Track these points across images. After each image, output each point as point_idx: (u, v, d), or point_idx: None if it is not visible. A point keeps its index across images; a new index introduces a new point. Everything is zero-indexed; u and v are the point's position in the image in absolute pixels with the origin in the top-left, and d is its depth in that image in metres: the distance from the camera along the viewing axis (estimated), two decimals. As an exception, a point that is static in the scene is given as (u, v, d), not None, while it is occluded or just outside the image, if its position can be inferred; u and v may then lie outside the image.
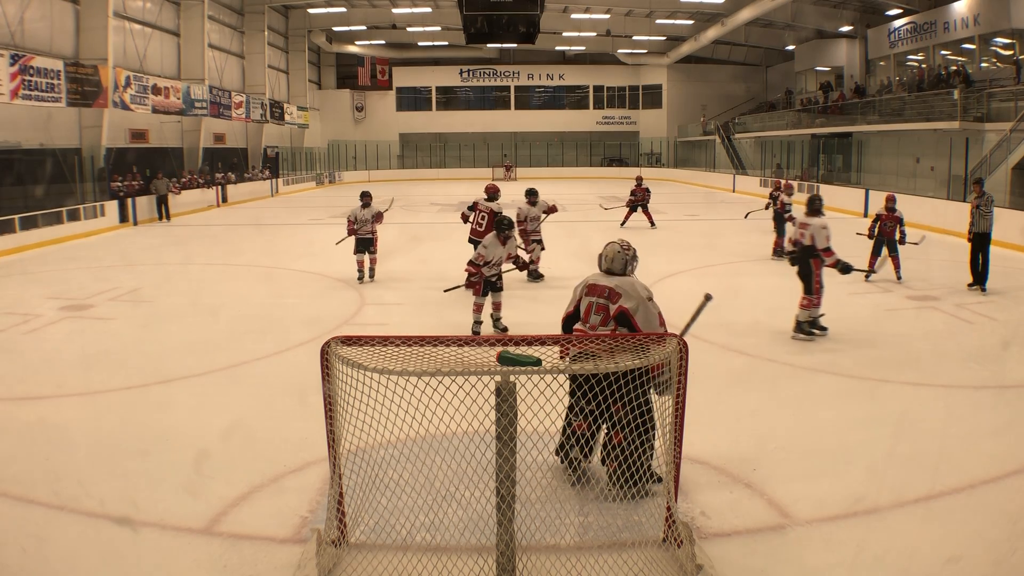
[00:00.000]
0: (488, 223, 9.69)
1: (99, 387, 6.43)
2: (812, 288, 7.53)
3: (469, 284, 7.72)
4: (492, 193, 10.41)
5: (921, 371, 6.58)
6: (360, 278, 10.83)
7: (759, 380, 6.52)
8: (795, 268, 7.71)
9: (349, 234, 10.95)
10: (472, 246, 9.60)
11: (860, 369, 6.22)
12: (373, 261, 11.03)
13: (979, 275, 9.67)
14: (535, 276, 10.83)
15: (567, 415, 4.11)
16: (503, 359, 3.24)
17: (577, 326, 4.33)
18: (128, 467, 4.80)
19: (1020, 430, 5.40)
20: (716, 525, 4.06)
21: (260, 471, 4.68)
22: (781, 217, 12.78)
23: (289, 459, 4.86)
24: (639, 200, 17.66)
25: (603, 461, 4.20)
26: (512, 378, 3.24)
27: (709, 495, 4.39)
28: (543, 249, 11.10)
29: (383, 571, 3.49)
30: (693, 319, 4.17)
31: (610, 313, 4.13)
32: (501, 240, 7.56)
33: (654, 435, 4.04)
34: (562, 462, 4.33)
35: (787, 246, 8.36)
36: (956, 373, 6.71)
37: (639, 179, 18.46)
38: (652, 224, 17.43)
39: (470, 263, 7.59)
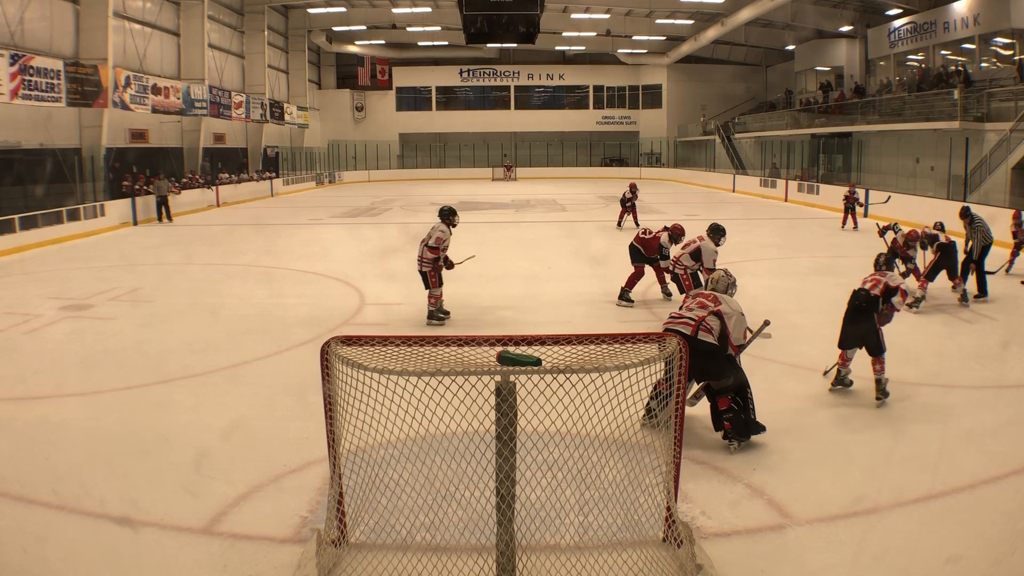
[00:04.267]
0: (644, 241, 9.76)
1: (99, 387, 6.43)
2: None
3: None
4: (676, 234, 9.77)
5: (921, 371, 6.58)
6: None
7: (759, 380, 6.50)
8: None
9: (446, 264, 8.59)
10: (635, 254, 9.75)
11: (860, 369, 6.21)
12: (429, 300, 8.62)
13: (976, 281, 9.65)
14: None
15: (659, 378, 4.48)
16: (503, 359, 3.24)
17: (672, 311, 5.47)
18: (128, 467, 4.80)
19: (1020, 430, 5.40)
20: (716, 525, 4.06)
21: (260, 471, 4.69)
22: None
23: (289, 459, 4.86)
24: (633, 199, 17.77)
25: (715, 426, 5.17)
26: (512, 378, 3.24)
27: (709, 495, 4.40)
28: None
29: (383, 571, 3.49)
30: (752, 339, 5.38)
31: (709, 310, 5.20)
32: None
33: (748, 393, 5.10)
34: (645, 410, 4.55)
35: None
36: (956, 373, 6.71)
37: (633, 186, 18.30)
38: (632, 224, 17.32)
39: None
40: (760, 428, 5.09)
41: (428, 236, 8.40)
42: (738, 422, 5.01)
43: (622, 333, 3.75)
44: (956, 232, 9.86)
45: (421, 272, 8.42)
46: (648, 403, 4.56)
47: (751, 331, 5.45)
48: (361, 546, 3.74)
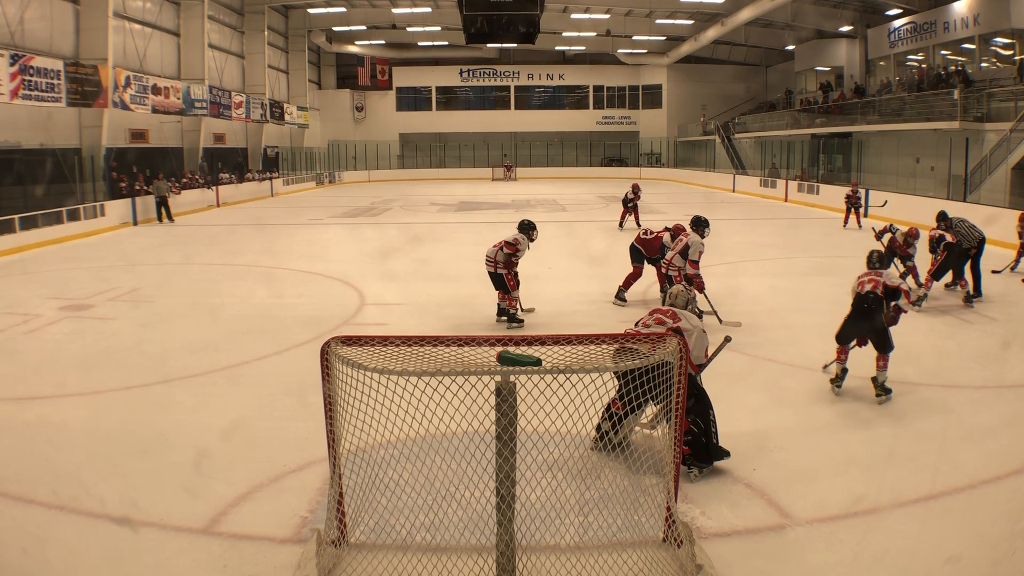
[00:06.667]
0: (645, 241, 9.62)
1: (99, 387, 6.43)
2: None
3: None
4: (678, 234, 9.58)
5: (921, 370, 6.58)
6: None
7: (759, 380, 6.52)
8: None
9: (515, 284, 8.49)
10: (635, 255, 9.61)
11: (860, 369, 6.22)
12: (503, 300, 8.56)
13: (972, 280, 9.64)
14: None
15: (612, 397, 4.35)
16: (503, 359, 3.24)
17: (628, 327, 5.07)
18: (128, 467, 4.80)
19: (1020, 430, 5.40)
20: (716, 525, 4.06)
21: (260, 471, 4.69)
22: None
23: (289, 459, 4.86)
24: (635, 200, 17.69)
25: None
26: (512, 378, 3.24)
27: (709, 495, 4.40)
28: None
29: (383, 571, 3.49)
30: (713, 357, 5.08)
31: (668, 326, 4.85)
32: None
33: (711, 415, 4.72)
34: (596, 431, 4.58)
35: None
36: (956, 373, 6.71)
37: (635, 186, 18.16)
38: (633, 224, 17.21)
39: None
40: (724, 453, 4.73)
41: (505, 241, 8.38)
42: (699, 446, 4.61)
43: (622, 333, 3.75)
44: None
45: (494, 274, 8.37)
46: (599, 424, 4.49)
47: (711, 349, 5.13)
48: (361, 546, 3.74)
